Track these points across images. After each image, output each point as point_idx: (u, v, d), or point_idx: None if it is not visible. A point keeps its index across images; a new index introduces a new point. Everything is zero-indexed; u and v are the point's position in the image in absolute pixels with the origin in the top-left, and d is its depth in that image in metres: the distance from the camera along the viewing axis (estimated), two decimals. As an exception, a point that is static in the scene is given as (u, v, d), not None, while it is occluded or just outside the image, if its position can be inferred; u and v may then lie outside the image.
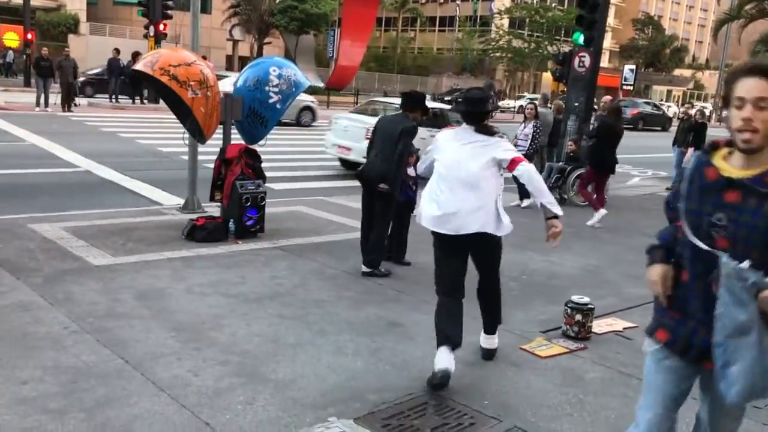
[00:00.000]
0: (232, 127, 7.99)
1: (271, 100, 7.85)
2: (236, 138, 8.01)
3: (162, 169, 12.32)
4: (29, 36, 29.04)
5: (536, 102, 11.89)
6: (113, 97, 23.49)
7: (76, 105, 21.09)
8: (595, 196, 10.31)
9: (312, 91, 39.97)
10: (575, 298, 5.34)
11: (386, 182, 6.34)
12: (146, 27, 21.59)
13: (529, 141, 11.11)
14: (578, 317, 5.22)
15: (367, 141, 7.26)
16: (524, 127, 11.37)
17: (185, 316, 5.10)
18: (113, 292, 5.50)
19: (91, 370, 4.11)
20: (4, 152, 12.78)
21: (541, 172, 13.17)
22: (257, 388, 4.04)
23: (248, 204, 7.56)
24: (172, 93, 7.31)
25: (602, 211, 10.02)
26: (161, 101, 9.72)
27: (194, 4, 8.84)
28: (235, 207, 7.55)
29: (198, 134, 7.76)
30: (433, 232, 4.42)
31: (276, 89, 7.84)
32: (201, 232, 7.36)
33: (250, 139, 8.10)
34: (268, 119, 7.94)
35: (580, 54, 12.75)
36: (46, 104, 20.05)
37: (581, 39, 12.72)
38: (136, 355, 4.36)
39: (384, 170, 6.36)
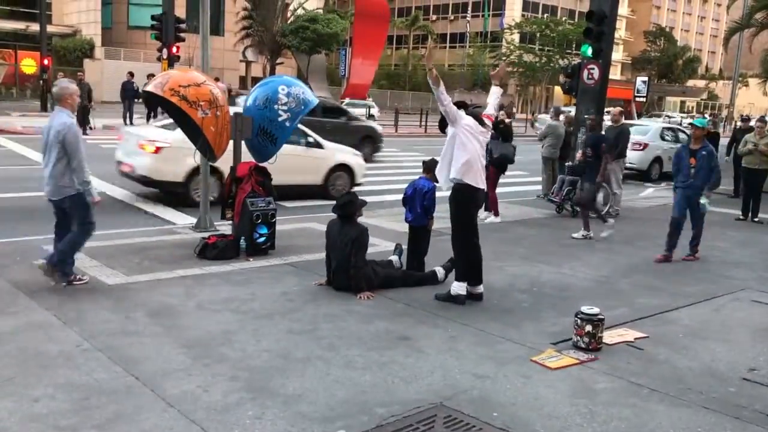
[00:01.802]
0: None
1: (280, 119, 7.93)
2: (246, 156, 8.09)
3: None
4: (46, 62, 29.49)
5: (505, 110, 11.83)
6: (127, 119, 23.73)
7: (91, 128, 21.35)
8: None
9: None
10: (585, 308, 5.32)
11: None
12: (159, 50, 21.84)
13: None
14: (588, 328, 5.20)
15: None
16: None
17: (196, 333, 5.14)
18: (126, 310, 5.56)
19: (102, 387, 4.15)
20: (21, 176, 12.95)
21: (553, 184, 13.28)
22: (266, 402, 4.06)
23: (259, 221, 7.62)
24: (183, 113, 7.41)
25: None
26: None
27: (204, 26, 8.96)
28: (246, 224, 7.61)
29: (209, 153, 7.84)
30: None
31: (285, 107, 7.92)
32: (213, 250, 7.42)
33: (260, 157, 8.17)
34: (278, 137, 8.02)
35: (588, 66, 12.75)
36: (62, 128, 20.28)
37: (589, 51, 12.72)
38: (146, 371, 4.40)
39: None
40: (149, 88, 7.35)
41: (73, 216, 6.15)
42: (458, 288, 6.25)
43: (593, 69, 12.69)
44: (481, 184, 6.14)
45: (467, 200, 6.13)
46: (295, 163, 10.99)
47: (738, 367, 5.05)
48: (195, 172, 9.80)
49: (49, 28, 39.78)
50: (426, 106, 39.70)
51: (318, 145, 12.17)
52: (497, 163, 10.50)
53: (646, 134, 19.26)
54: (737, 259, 8.89)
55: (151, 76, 18.02)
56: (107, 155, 16.88)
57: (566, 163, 12.56)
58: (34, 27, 33.51)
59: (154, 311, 5.58)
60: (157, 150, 10.40)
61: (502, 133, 10.46)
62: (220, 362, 4.62)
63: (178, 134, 9.48)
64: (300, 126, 10.59)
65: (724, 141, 18.44)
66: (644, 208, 13.31)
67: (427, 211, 7.00)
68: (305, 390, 4.26)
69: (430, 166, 6.95)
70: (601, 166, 10.03)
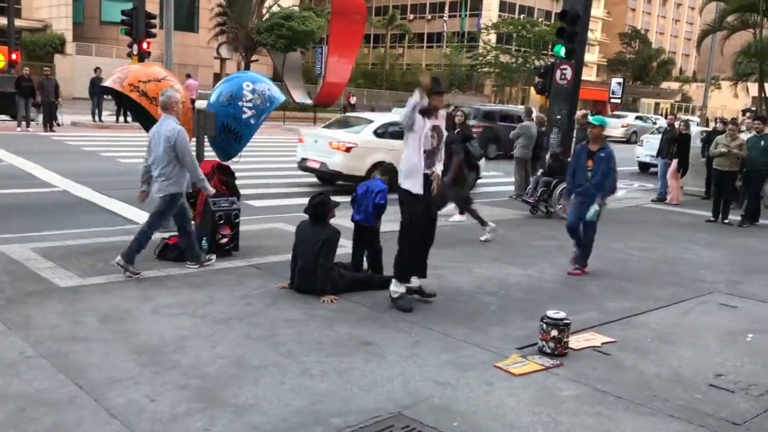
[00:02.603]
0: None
1: (245, 116, 7.73)
2: (211, 155, 7.89)
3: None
4: (14, 56, 28.85)
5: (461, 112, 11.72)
6: (96, 115, 23.29)
7: (59, 124, 20.90)
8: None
9: (301, 108, 40.01)
10: (551, 313, 5.20)
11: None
12: (130, 45, 21.41)
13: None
14: (554, 333, 5.08)
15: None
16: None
17: (148, 339, 4.93)
18: (76, 315, 5.33)
19: (42, 397, 3.93)
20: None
21: (526, 185, 13.21)
22: (216, 413, 3.87)
23: (221, 222, 7.41)
24: (143, 109, 7.18)
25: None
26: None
27: (167, 20, 8.73)
28: (208, 225, 7.39)
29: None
30: None
31: (250, 104, 7.73)
32: (173, 251, 7.20)
33: (224, 155, 7.97)
34: (242, 135, 7.82)
35: (561, 66, 12.70)
36: (28, 124, 19.85)
37: (562, 51, 12.68)
38: (92, 380, 4.19)
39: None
40: (108, 83, 7.13)
41: (159, 209, 6.72)
42: (396, 287, 6.04)
43: (566, 69, 12.64)
44: (419, 189, 5.89)
45: (408, 203, 5.98)
46: None
47: (705, 373, 4.96)
48: (374, 167, 12.06)
49: (19, 23, 38.97)
50: (403, 105, 39.55)
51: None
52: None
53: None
54: (707, 261, 8.86)
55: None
56: (73, 152, 16.58)
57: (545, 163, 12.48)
58: (3, 21, 32.74)
59: (106, 316, 5.36)
60: (348, 149, 12.39)
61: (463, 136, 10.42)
62: (170, 370, 4.42)
63: (363, 135, 12.71)
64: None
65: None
66: (616, 209, 13.26)
67: (378, 210, 6.74)
68: (258, 399, 4.08)
69: (386, 168, 6.79)
70: (453, 167, 9.16)
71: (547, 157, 11.52)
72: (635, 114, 44.45)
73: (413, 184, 5.89)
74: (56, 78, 21.29)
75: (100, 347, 4.72)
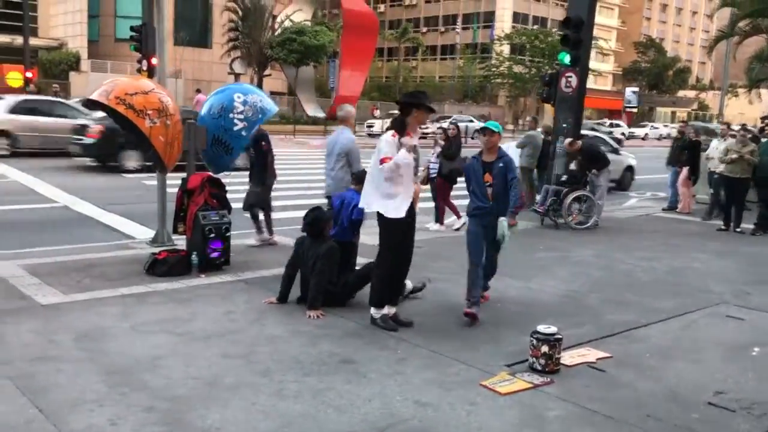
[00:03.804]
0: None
1: (236, 128, 7.60)
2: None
3: (144, 203, 12.03)
4: (29, 75, 29.14)
5: (454, 125, 11.62)
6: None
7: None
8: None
9: (313, 121, 40.02)
10: (541, 327, 4.96)
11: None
12: (139, 61, 21.48)
13: (438, 164, 10.72)
14: (545, 349, 4.83)
15: None
16: (434, 153, 10.98)
17: (121, 358, 4.76)
18: (51, 333, 5.18)
19: (-2, 421, 3.77)
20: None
21: (531, 195, 12.97)
22: (178, 437, 3.68)
23: (212, 235, 7.24)
24: (130, 123, 7.06)
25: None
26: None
27: (160, 32, 8.63)
28: (198, 239, 7.24)
29: (159, 164, 7.50)
30: None
31: (241, 116, 7.60)
32: (162, 267, 7.05)
33: (215, 168, 7.83)
34: (233, 147, 7.69)
35: (566, 74, 12.46)
36: (37, 141, 19.90)
37: (567, 59, 12.45)
38: (54, 402, 4.01)
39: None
40: (94, 96, 7.01)
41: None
42: (377, 313, 5.74)
43: (571, 77, 12.40)
44: (402, 213, 5.55)
45: (389, 225, 5.61)
46: None
47: (705, 390, 4.69)
48: None
49: (36, 41, 39.58)
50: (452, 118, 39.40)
51: (616, 151, 17.42)
52: (445, 177, 10.44)
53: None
54: (715, 271, 8.55)
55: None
56: (77, 167, 16.57)
57: (555, 173, 12.25)
58: (20, 40, 33.11)
59: (82, 334, 5.20)
60: None
61: (450, 152, 10.46)
62: (139, 391, 4.23)
63: None
64: (602, 135, 18.36)
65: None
66: (625, 218, 12.98)
67: (354, 225, 6.49)
68: (225, 422, 3.88)
69: (359, 178, 6.33)
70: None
71: (572, 165, 11.35)
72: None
73: (396, 210, 5.54)
74: (64, 95, 21.27)
75: (70, 367, 4.56)
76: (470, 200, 6.28)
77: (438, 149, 10.80)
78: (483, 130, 6.19)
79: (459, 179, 10.21)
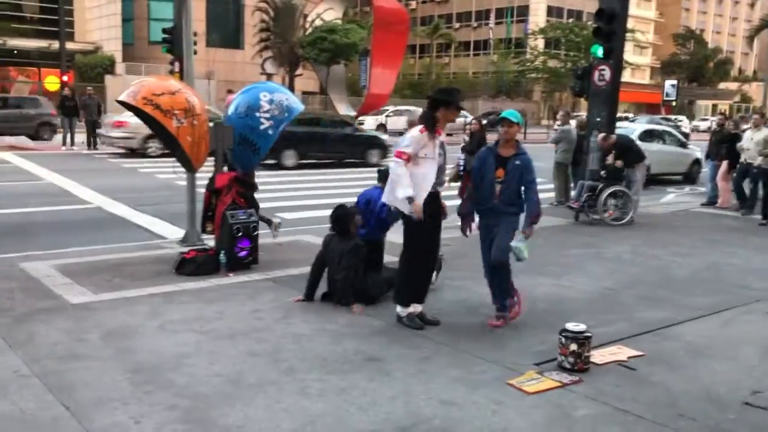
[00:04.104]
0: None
1: (262, 127, 7.61)
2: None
3: (175, 203, 12.16)
4: (65, 78, 29.74)
5: (477, 120, 11.48)
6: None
7: (102, 143, 21.33)
8: None
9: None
10: (570, 325, 4.84)
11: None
12: (171, 63, 21.73)
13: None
14: (573, 347, 4.72)
15: None
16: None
17: (147, 357, 4.78)
18: (80, 332, 5.23)
19: (25, 418, 3.81)
20: (19, 191, 12.84)
21: (566, 190, 12.77)
22: (200, 436, 3.68)
23: (240, 234, 7.26)
24: (158, 123, 7.12)
25: None
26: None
27: (187, 34, 8.69)
28: (226, 238, 7.26)
29: (186, 164, 7.54)
30: None
31: (267, 115, 7.60)
32: (190, 266, 7.09)
33: (242, 167, 7.84)
34: (260, 146, 7.70)
35: (599, 67, 12.23)
36: (72, 143, 20.31)
37: (600, 52, 12.21)
38: (80, 400, 4.04)
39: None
40: (122, 97, 7.07)
41: None
42: (403, 311, 5.64)
43: (604, 70, 12.17)
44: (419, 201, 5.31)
45: (411, 223, 5.45)
46: (671, 158, 17.82)
47: (741, 390, 4.53)
48: None
49: (72, 46, 40.32)
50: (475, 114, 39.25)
51: (684, 145, 18.79)
52: (470, 173, 10.21)
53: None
54: (756, 267, 8.28)
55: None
56: (113, 169, 16.87)
57: (590, 168, 12.05)
58: (57, 45, 33.78)
59: (110, 332, 5.24)
60: None
61: (471, 147, 10.31)
62: (163, 389, 4.24)
63: None
64: (671, 130, 19.69)
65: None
66: (662, 214, 12.69)
67: (382, 225, 6.42)
68: (248, 420, 3.86)
69: (384, 175, 6.14)
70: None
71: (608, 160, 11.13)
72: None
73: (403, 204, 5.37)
74: (98, 98, 21.67)
75: (96, 366, 4.59)
76: (469, 193, 5.80)
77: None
78: (501, 121, 5.58)
79: None
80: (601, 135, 11.30)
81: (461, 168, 10.68)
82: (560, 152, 13.09)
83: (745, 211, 12.20)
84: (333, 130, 19.71)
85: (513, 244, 5.48)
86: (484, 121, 12.51)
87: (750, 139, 12.09)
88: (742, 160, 12.20)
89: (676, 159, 18.23)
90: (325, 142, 19.23)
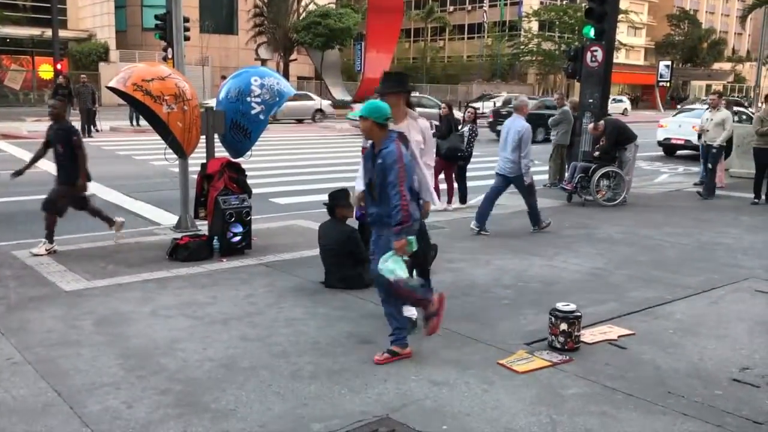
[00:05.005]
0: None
1: (253, 111, 7.59)
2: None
3: (169, 189, 12.15)
4: (58, 66, 29.56)
5: (446, 104, 11.41)
6: (134, 120, 23.60)
7: (97, 130, 21.26)
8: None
9: (342, 104, 39.97)
10: (560, 305, 4.88)
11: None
12: (164, 50, 21.67)
13: (465, 142, 10.63)
14: (563, 326, 4.75)
15: None
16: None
17: (139, 342, 4.80)
18: (73, 318, 5.25)
19: (17, 405, 3.83)
20: (13, 180, 12.76)
21: (562, 171, 12.77)
22: (192, 419, 3.70)
23: (232, 219, 7.26)
24: (148, 109, 7.10)
25: None
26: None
27: (177, 18, 8.64)
28: (219, 223, 7.27)
29: (178, 150, 7.53)
30: None
31: (258, 99, 7.58)
32: (183, 252, 7.10)
33: (234, 153, 7.84)
34: (252, 131, 7.68)
35: (591, 48, 12.20)
36: (68, 131, 20.21)
37: (592, 32, 12.17)
38: (72, 386, 4.07)
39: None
40: (112, 83, 7.05)
41: (518, 187, 8.81)
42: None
43: (596, 51, 12.14)
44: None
45: None
46: None
47: (729, 366, 4.57)
48: None
49: (65, 33, 40.05)
50: (444, 98, 39.18)
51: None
52: (445, 157, 10.36)
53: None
54: (747, 246, 8.33)
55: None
56: (108, 156, 16.79)
57: (582, 150, 12.05)
58: (50, 32, 33.52)
59: (102, 319, 5.26)
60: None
61: (441, 132, 10.48)
62: (155, 374, 4.27)
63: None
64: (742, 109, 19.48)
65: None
66: (655, 194, 12.72)
67: None
68: (239, 404, 3.89)
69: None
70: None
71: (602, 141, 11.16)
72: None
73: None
74: (93, 85, 21.55)
75: (89, 352, 4.62)
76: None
77: (464, 128, 10.76)
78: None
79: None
80: (591, 125, 11.30)
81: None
82: (561, 134, 13.07)
83: (706, 195, 11.97)
84: None
85: (380, 265, 4.42)
86: (477, 105, 12.52)
87: (709, 120, 12.06)
88: (702, 141, 12.18)
89: None
90: None
